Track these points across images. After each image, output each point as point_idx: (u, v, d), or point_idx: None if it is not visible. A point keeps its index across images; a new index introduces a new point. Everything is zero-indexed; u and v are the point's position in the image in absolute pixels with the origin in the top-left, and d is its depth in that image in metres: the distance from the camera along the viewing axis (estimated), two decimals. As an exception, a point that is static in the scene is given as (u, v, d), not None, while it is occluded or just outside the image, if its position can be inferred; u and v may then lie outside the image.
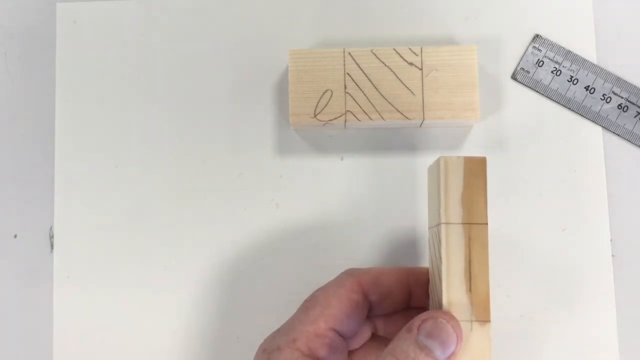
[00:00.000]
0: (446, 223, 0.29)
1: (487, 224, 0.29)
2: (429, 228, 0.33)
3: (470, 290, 0.29)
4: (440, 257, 0.29)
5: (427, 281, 0.33)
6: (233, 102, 0.42)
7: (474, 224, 0.29)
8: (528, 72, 0.38)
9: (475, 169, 0.29)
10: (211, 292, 0.41)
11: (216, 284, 0.41)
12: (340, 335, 0.32)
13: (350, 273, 0.33)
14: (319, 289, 0.33)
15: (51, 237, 0.42)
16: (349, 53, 0.39)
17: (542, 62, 0.38)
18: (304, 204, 0.41)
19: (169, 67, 0.42)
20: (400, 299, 0.33)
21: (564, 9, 0.42)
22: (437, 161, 0.30)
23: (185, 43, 0.42)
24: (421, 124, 0.40)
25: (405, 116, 0.39)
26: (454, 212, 0.29)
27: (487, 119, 0.41)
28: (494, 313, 0.40)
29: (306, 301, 0.33)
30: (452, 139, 0.41)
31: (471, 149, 0.41)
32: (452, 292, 0.29)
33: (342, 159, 0.42)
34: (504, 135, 0.41)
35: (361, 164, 0.41)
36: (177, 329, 0.40)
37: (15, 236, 0.42)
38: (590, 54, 0.42)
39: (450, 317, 0.28)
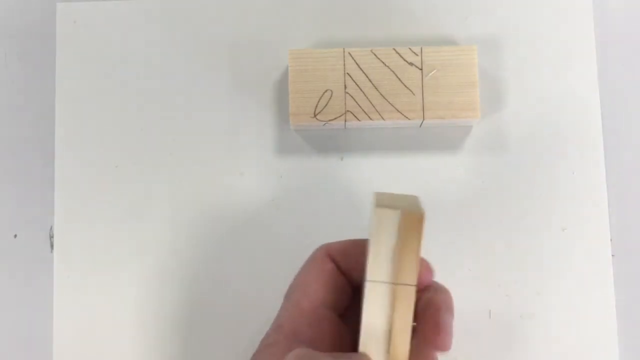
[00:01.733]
0: (371, 281, 0.27)
1: (415, 285, 0.27)
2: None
3: (388, 352, 0.27)
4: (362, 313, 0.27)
5: None
6: (233, 102, 0.42)
7: (402, 284, 0.27)
8: None
9: (412, 226, 0.26)
10: (211, 292, 0.41)
11: (216, 284, 0.41)
12: (332, 309, 0.32)
13: (320, 247, 0.33)
14: (296, 275, 0.33)
15: (51, 237, 0.42)
16: (349, 53, 0.39)
17: None
18: (304, 204, 0.41)
19: (169, 67, 0.42)
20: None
21: (564, 9, 0.42)
22: (373, 204, 0.27)
23: (185, 43, 0.42)
24: (421, 124, 0.40)
25: (405, 116, 0.39)
26: (382, 269, 0.26)
27: (487, 119, 0.41)
28: (494, 313, 0.40)
29: (288, 289, 0.33)
30: (452, 139, 0.41)
31: (471, 149, 0.41)
32: (369, 351, 0.27)
33: (342, 159, 0.42)
34: (504, 135, 0.41)
35: (361, 164, 0.41)
36: (177, 329, 0.40)
37: (15, 236, 0.42)
38: (590, 54, 0.42)
39: None
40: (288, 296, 0.33)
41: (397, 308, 0.27)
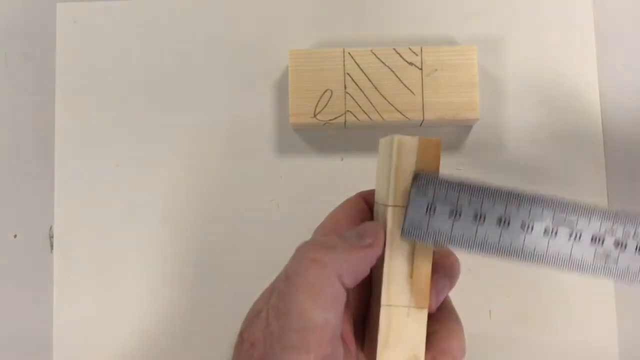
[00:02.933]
0: (393, 206, 0.28)
1: None
2: (376, 202, 0.31)
3: (411, 275, 0.28)
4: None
5: None
6: (233, 103, 0.42)
7: None
8: (420, 227, 0.27)
9: (430, 152, 0.28)
10: (211, 292, 0.41)
11: (216, 283, 0.41)
12: None
13: (357, 193, 0.33)
14: (328, 214, 0.32)
15: (51, 237, 0.42)
16: (349, 53, 0.39)
17: (434, 207, 0.27)
18: (304, 204, 0.41)
19: (169, 67, 0.42)
20: None
21: (564, 9, 0.42)
22: (391, 139, 0.28)
23: (185, 43, 0.42)
24: (421, 124, 0.40)
25: (405, 116, 0.39)
26: (403, 195, 0.28)
27: (487, 119, 0.41)
28: (494, 313, 0.40)
29: (318, 226, 0.32)
30: (452, 139, 0.41)
31: (471, 149, 0.41)
32: (393, 274, 0.28)
33: (342, 159, 0.42)
34: (504, 135, 0.41)
35: (361, 164, 0.41)
36: (177, 329, 0.40)
37: (15, 236, 0.42)
38: (590, 54, 0.42)
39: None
40: (318, 229, 0.32)
41: None
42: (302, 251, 0.27)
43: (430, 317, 0.30)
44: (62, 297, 0.41)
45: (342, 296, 0.27)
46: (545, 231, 0.27)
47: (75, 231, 0.41)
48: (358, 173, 0.41)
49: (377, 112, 0.39)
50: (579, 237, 0.27)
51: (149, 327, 0.41)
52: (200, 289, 0.41)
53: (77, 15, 0.43)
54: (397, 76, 0.39)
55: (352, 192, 0.41)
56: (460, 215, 0.27)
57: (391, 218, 0.28)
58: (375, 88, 0.39)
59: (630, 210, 0.27)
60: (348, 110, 0.39)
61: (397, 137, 0.28)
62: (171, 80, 0.42)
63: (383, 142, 0.30)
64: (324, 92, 0.39)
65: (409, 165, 0.28)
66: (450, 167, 0.41)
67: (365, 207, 0.32)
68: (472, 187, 0.27)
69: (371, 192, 0.33)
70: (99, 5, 0.43)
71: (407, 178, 0.28)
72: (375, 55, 0.39)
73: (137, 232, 0.41)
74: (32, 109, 0.43)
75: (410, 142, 0.28)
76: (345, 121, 0.39)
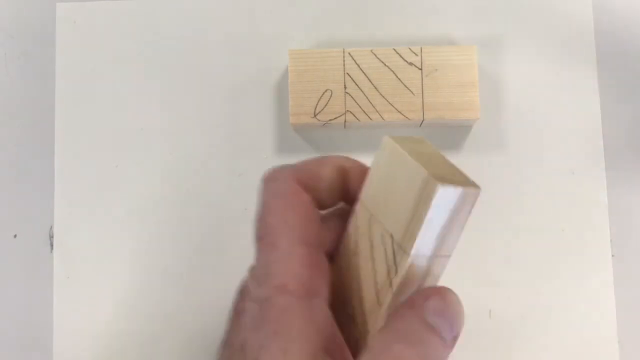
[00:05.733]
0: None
1: None
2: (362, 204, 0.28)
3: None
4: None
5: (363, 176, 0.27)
6: (233, 102, 0.42)
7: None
8: None
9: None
10: (211, 292, 0.41)
11: (216, 284, 0.41)
12: (320, 248, 0.27)
13: (280, 175, 0.28)
14: (261, 213, 0.27)
15: (51, 237, 0.42)
16: (349, 53, 0.39)
17: None
18: (304, 204, 0.41)
19: (169, 67, 0.42)
20: (338, 192, 0.28)
21: (564, 9, 0.42)
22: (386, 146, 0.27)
23: (185, 43, 0.42)
24: (421, 124, 0.40)
25: (405, 116, 0.39)
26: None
27: (487, 119, 0.41)
28: (494, 313, 0.40)
29: (262, 234, 0.27)
30: (452, 139, 0.41)
31: (471, 149, 0.41)
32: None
33: (342, 159, 0.41)
34: (504, 135, 0.41)
35: (361, 164, 0.41)
36: (177, 329, 0.40)
37: (15, 236, 0.42)
38: (590, 53, 0.42)
39: (455, 294, 0.24)
40: (270, 243, 0.26)
41: None
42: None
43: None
44: (62, 297, 0.41)
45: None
46: None
47: (75, 231, 0.41)
48: (358, 173, 0.41)
49: (377, 112, 0.39)
50: None
51: (149, 327, 0.40)
52: (201, 289, 0.41)
53: (77, 15, 0.43)
54: (397, 76, 0.39)
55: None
56: None
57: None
58: (375, 88, 0.39)
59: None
60: (348, 110, 0.39)
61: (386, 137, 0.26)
62: (171, 80, 0.42)
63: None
64: (324, 92, 0.39)
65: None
66: (450, 167, 0.41)
67: (308, 200, 0.26)
68: None
69: (303, 170, 0.27)
70: (99, 5, 0.43)
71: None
72: (375, 55, 0.39)
73: (137, 232, 0.41)
74: (32, 109, 0.43)
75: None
76: (345, 121, 0.39)
